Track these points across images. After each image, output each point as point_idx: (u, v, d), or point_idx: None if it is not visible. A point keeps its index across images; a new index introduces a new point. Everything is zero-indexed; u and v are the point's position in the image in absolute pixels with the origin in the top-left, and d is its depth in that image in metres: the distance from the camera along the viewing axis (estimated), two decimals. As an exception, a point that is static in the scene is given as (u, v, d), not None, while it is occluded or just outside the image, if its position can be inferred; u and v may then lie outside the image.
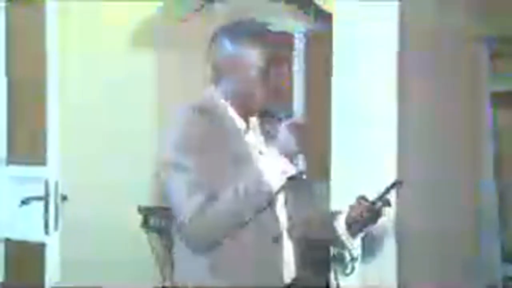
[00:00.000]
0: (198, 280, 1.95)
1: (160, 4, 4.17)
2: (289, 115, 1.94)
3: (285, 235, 2.02)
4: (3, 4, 3.68)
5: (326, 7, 3.52)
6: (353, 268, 3.24)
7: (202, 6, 4.41)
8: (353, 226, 2.03)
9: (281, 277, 1.98)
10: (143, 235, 4.11)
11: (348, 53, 3.34)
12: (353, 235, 2.05)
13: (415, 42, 3.42)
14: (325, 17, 3.66)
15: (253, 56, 1.95)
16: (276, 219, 1.98)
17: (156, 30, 4.25)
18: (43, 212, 3.33)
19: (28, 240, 3.53)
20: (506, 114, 4.29)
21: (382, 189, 1.98)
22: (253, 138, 2.03)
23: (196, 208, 1.86)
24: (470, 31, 3.79)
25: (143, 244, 4.09)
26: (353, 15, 3.33)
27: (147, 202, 4.15)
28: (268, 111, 1.99)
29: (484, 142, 4.07)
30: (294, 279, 2.03)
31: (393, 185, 1.99)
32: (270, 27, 2.04)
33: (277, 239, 1.97)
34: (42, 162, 3.38)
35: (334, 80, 3.34)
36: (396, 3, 3.30)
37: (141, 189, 4.13)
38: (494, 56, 4.03)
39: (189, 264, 1.97)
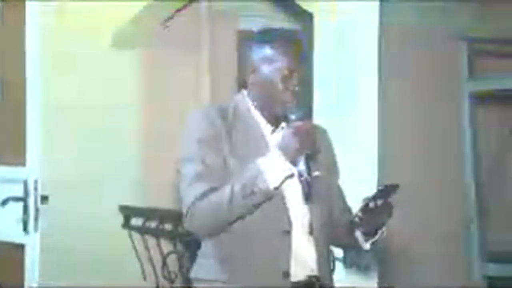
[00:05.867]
0: (209, 275, 2.04)
1: (144, 4, 4.15)
2: (297, 117, 1.99)
3: (304, 232, 2.05)
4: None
5: (307, 6, 3.53)
6: (334, 268, 3.24)
7: (186, 6, 4.40)
8: (361, 228, 2.06)
9: (286, 271, 2.00)
10: (124, 235, 4.10)
11: (329, 53, 3.35)
12: (365, 237, 2.08)
13: (395, 42, 3.44)
14: (305, 17, 3.67)
15: (279, 61, 2.03)
16: (286, 214, 2.02)
17: (140, 30, 4.24)
18: (22, 213, 3.31)
19: (8, 241, 3.50)
20: (486, 114, 4.32)
21: (378, 189, 1.98)
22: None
23: (195, 197, 1.98)
24: (449, 31, 3.83)
25: (124, 244, 4.07)
26: (334, 15, 3.35)
27: (128, 202, 4.13)
28: (285, 115, 2.04)
29: (463, 142, 4.10)
30: (312, 277, 2.05)
31: (388, 188, 1.97)
32: (296, 35, 2.11)
33: (285, 234, 2.01)
34: (22, 162, 3.36)
35: (315, 79, 3.35)
36: (377, 3, 3.31)
37: (123, 190, 4.11)
38: (473, 56, 4.07)
39: (203, 259, 2.07)
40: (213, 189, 1.97)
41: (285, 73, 2.02)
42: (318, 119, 3.33)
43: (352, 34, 3.31)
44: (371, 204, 1.97)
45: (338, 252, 3.27)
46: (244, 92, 2.12)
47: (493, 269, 4.18)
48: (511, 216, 4.34)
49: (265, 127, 2.09)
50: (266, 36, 2.08)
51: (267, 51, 2.04)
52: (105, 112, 4.05)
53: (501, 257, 4.25)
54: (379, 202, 1.98)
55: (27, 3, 3.36)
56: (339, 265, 3.28)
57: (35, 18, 3.36)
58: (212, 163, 1.99)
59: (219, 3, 4.57)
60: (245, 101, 2.10)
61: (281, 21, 4.49)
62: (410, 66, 3.64)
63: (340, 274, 3.27)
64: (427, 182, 3.83)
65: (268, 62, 2.04)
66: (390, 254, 3.60)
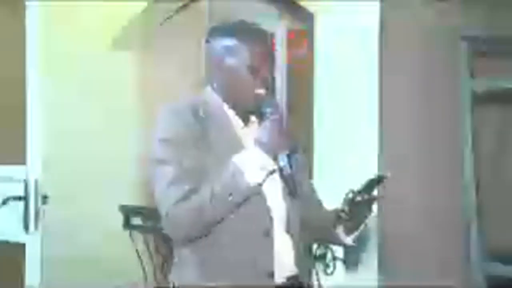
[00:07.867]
0: (190, 280, 1.98)
1: (144, 4, 4.15)
2: (274, 111, 1.96)
3: (282, 230, 2.02)
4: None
5: (308, 6, 3.54)
6: (334, 267, 3.25)
7: (181, 8, 4.41)
8: (344, 222, 2.02)
9: (270, 272, 1.97)
10: (124, 235, 4.10)
11: (329, 52, 3.35)
12: (347, 231, 2.05)
13: (395, 42, 3.44)
14: (306, 17, 3.67)
15: (243, 55, 2.00)
16: (267, 213, 1.99)
17: (140, 30, 4.24)
18: (23, 212, 3.31)
19: (8, 240, 3.50)
20: (486, 114, 4.32)
21: (364, 183, 1.96)
22: (249, 135, 2.03)
23: (174, 200, 1.91)
24: (450, 31, 3.82)
25: (124, 244, 4.08)
26: (335, 15, 3.35)
27: (129, 202, 4.13)
28: (257, 108, 2.01)
29: (463, 142, 4.10)
30: (291, 277, 2.02)
31: (377, 179, 1.95)
32: (259, 27, 2.08)
33: (267, 233, 1.97)
34: (22, 161, 3.36)
35: (316, 78, 3.36)
36: (377, 3, 3.32)
37: (123, 189, 4.11)
38: (473, 56, 4.06)
39: (183, 262, 2.01)
40: (192, 191, 1.91)
41: (252, 65, 1.99)
42: (318, 119, 3.34)
43: (352, 34, 3.31)
44: (358, 198, 1.95)
45: (339, 252, 3.27)
46: (210, 86, 2.07)
47: (493, 269, 4.18)
48: (511, 216, 4.35)
49: (236, 121, 2.05)
50: (230, 30, 2.04)
51: (232, 44, 2.00)
52: (105, 112, 4.05)
53: (501, 257, 4.25)
54: (365, 195, 1.95)
55: (27, 3, 3.37)
56: (339, 265, 3.28)
57: (35, 18, 3.36)
58: (190, 163, 1.93)
59: (219, 3, 4.57)
60: (213, 96, 2.05)
61: (281, 21, 4.50)
62: (410, 66, 3.63)
63: (340, 274, 3.28)
64: (427, 182, 3.83)
65: (234, 54, 2.00)
66: (390, 254, 3.60)
